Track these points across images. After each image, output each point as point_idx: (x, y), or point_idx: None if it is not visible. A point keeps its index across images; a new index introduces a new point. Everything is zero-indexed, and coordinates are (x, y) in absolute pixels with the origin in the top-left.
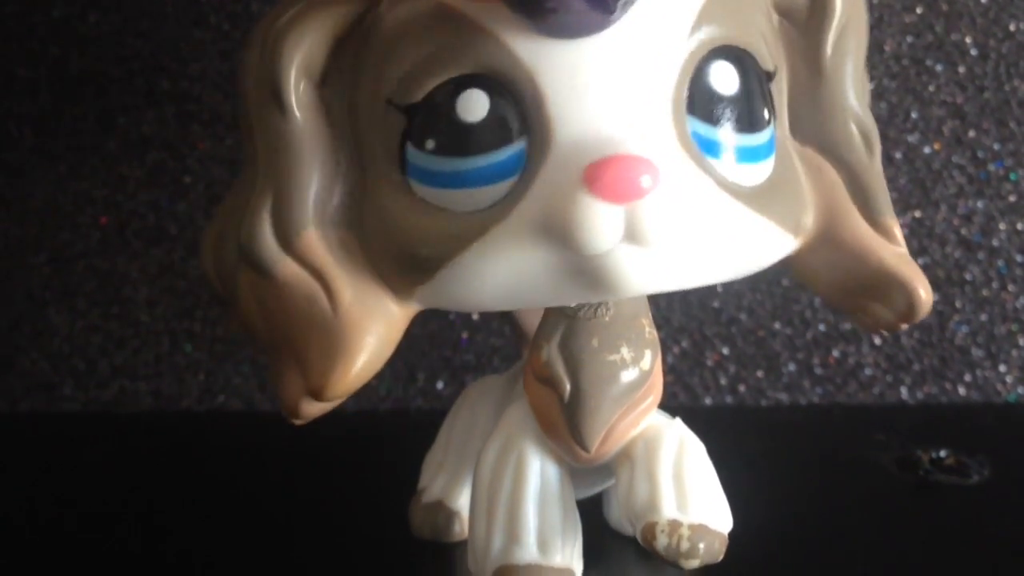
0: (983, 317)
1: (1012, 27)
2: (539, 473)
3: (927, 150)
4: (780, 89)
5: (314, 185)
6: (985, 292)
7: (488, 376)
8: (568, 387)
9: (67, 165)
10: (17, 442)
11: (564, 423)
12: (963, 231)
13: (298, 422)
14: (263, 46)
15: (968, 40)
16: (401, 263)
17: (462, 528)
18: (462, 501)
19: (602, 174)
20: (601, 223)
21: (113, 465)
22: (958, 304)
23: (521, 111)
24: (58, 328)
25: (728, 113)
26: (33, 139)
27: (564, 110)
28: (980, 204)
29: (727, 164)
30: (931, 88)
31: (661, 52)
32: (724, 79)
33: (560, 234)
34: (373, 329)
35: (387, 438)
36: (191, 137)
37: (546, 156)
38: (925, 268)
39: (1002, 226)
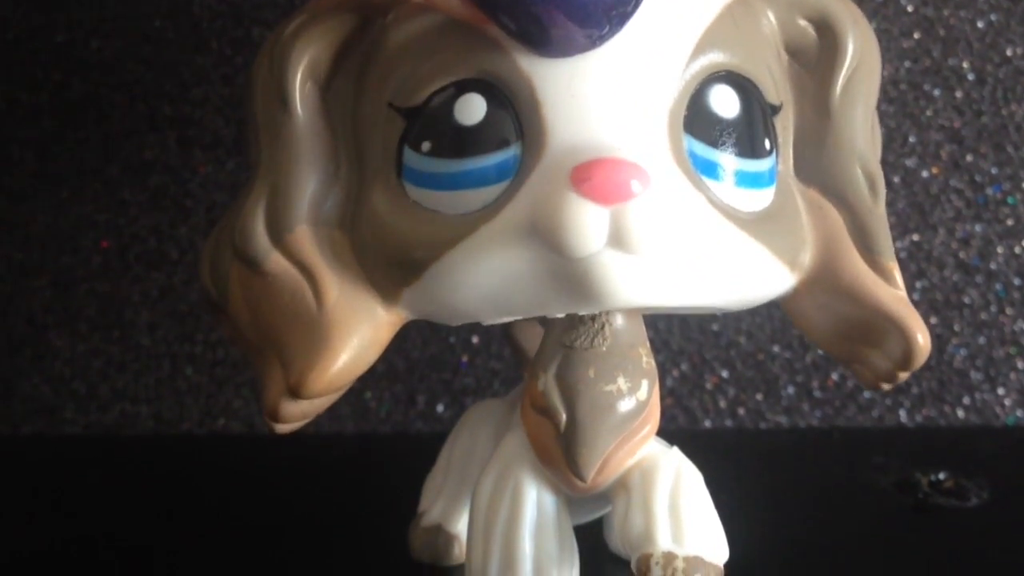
0: (981, 340)
1: (1009, 52)
2: (535, 502)
3: (925, 174)
4: (785, 126)
5: (311, 184)
6: (983, 315)
7: (488, 400)
8: (564, 417)
9: (69, 189)
10: (18, 465)
11: (560, 453)
12: (961, 255)
13: (279, 428)
14: (271, 52)
15: (965, 65)
16: (390, 264)
17: (461, 552)
18: (461, 525)
19: (589, 174)
20: (586, 223)
21: (114, 488)
22: (956, 327)
23: (517, 117)
24: (59, 351)
25: (726, 136)
26: (35, 163)
27: (559, 117)
28: (978, 228)
29: (723, 186)
30: (929, 112)
31: (660, 70)
32: (724, 102)
33: (545, 233)
34: (357, 330)
35: (387, 461)
36: (192, 162)
37: (538, 161)
38: (923, 292)
39: (1000, 249)
